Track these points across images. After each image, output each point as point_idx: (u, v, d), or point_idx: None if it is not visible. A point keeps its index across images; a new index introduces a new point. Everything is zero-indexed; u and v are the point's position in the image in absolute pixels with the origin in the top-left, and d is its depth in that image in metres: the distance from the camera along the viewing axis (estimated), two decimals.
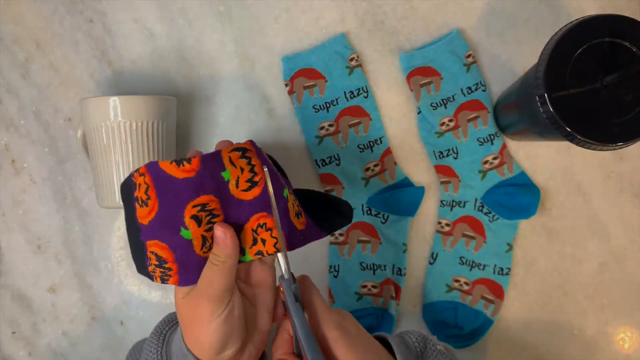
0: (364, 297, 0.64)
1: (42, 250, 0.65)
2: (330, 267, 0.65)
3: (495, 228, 0.64)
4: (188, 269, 0.45)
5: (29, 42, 0.65)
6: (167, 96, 0.60)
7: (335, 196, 0.54)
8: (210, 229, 0.44)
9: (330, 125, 0.64)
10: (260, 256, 0.46)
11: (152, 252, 0.45)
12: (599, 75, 0.46)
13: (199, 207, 0.44)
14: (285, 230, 0.46)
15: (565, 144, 0.55)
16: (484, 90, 0.63)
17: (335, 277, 0.64)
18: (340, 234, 0.64)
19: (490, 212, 0.64)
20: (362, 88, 0.64)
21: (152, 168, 0.44)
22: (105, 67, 0.65)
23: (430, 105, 0.63)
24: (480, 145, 0.63)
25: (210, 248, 0.45)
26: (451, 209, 0.64)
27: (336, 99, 0.64)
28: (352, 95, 0.64)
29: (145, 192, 0.44)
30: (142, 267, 0.47)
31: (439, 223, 0.65)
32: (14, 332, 0.64)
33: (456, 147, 0.64)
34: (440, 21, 0.64)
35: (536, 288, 0.65)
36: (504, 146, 0.64)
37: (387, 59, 0.65)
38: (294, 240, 0.46)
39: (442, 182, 0.65)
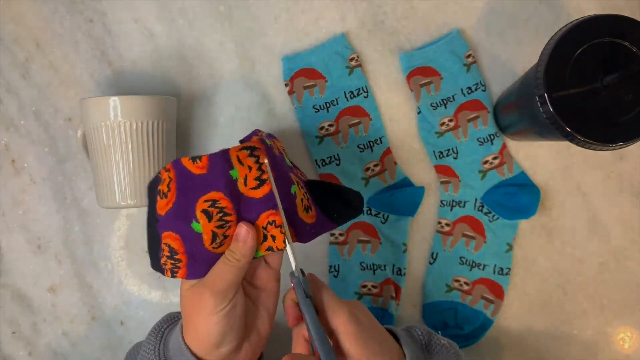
0: (364, 297, 0.64)
1: (42, 250, 0.65)
2: (330, 267, 0.65)
3: (495, 228, 0.64)
4: (196, 262, 0.46)
5: (29, 42, 0.65)
6: (167, 96, 0.60)
7: (347, 187, 0.55)
8: (221, 227, 0.46)
9: (330, 125, 0.64)
10: (270, 252, 0.48)
11: (165, 244, 0.47)
12: (599, 75, 0.46)
13: (210, 203, 0.45)
14: (294, 226, 0.48)
15: (565, 144, 0.55)
16: (484, 90, 0.63)
17: (335, 277, 0.64)
18: (340, 234, 0.64)
19: (490, 212, 0.64)
20: (362, 88, 0.64)
21: (176, 164, 0.46)
22: (105, 67, 0.65)
23: (430, 105, 0.63)
24: (480, 145, 0.63)
25: (220, 245, 0.46)
26: (451, 209, 0.64)
27: (336, 99, 0.64)
28: (352, 95, 0.64)
29: (167, 185, 0.46)
30: (155, 259, 0.48)
31: (439, 223, 0.65)
32: (14, 332, 0.64)
33: (456, 147, 0.64)
34: (440, 21, 0.64)
35: (536, 288, 0.65)
36: (504, 146, 0.64)
37: (387, 59, 0.65)
38: (303, 233, 0.49)
39: (442, 182, 0.65)
